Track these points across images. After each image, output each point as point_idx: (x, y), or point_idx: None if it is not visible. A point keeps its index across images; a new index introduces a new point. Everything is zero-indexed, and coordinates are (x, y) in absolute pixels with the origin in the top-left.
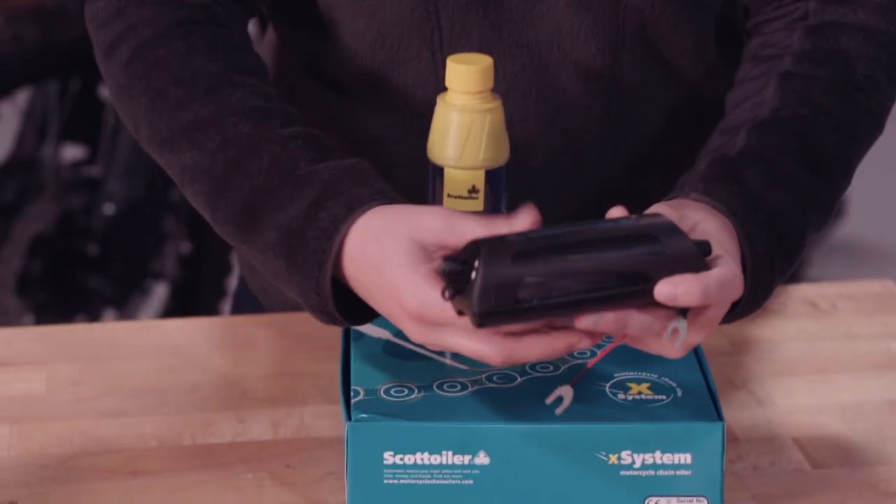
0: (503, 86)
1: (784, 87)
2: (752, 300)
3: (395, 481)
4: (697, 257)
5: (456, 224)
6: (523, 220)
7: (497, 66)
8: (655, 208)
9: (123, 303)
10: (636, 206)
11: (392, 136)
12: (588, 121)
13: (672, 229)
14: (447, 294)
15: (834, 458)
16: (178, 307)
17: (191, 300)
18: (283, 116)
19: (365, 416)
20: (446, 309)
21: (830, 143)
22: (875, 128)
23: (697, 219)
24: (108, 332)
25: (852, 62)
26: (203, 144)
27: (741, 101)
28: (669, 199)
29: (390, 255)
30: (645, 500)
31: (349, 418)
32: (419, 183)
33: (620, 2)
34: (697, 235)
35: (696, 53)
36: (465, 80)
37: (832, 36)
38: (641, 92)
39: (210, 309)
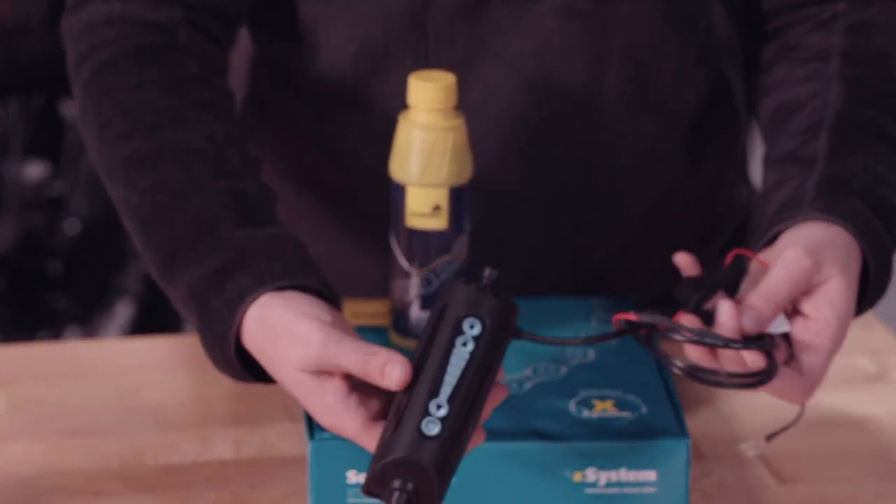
0: (483, 97)
1: (845, 90)
2: (874, 296)
3: (359, 500)
4: None
5: (331, 355)
6: (398, 373)
7: (480, 78)
8: (792, 252)
9: (87, 320)
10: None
11: (369, 148)
12: (568, 140)
13: None
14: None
15: (800, 474)
16: (142, 324)
17: (155, 317)
18: (219, 164)
19: (328, 435)
20: (345, 431)
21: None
22: None
23: (830, 273)
24: (70, 352)
25: (893, 61)
26: (137, 183)
27: (799, 103)
28: (783, 224)
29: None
30: None
31: (312, 437)
32: (387, 195)
33: (609, 15)
34: (827, 290)
35: (682, 76)
36: (428, 97)
37: (869, 36)
38: (624, 112)
39: (174, 326)
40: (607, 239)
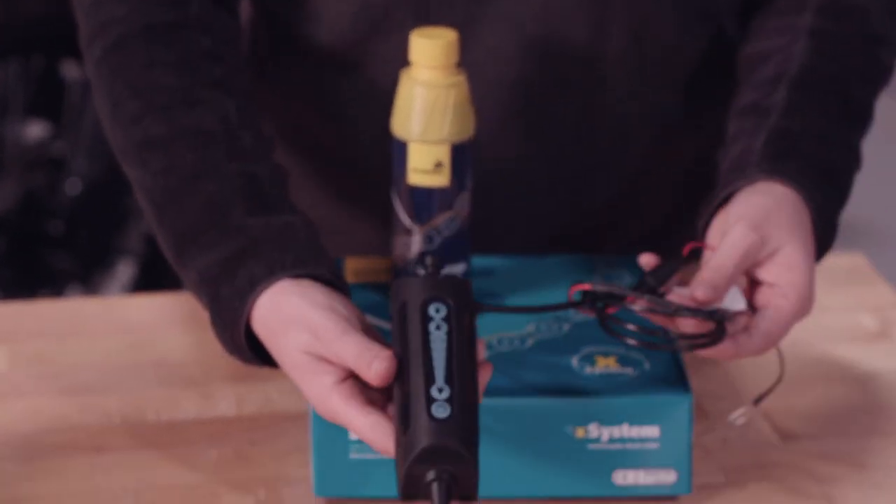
0: (483, 57)
1: (812, 44)
2: (821, 253)
3: (361, 456)
4: None
5: (335, 344)
6: (377, 366)
7: (480, 38)
8: (738, 230)
9: (88, 280)
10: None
11: (369, 109)
12: (568, 99)
13: None
14: None
15: (802, 430)
16: (143, 283)
17: (156, 276)
18: (232, 146)
19: None
20: (339, 414)
21: (859, 96)
22: (889, 78)
23: (780, 242)
24: (71, 309)
25: (869, 16)
26: (149, 165)
27: (766, 54)
28: (732, 186)
29: (286, 357)
30: (612, 474)
31: None
32: (388, 156)
33: None
34: (781, 258)
35: (683, 33)
36: (430, 54)
37: None
38: (625, 70)
39: (175, 285)
40: (607, 197)
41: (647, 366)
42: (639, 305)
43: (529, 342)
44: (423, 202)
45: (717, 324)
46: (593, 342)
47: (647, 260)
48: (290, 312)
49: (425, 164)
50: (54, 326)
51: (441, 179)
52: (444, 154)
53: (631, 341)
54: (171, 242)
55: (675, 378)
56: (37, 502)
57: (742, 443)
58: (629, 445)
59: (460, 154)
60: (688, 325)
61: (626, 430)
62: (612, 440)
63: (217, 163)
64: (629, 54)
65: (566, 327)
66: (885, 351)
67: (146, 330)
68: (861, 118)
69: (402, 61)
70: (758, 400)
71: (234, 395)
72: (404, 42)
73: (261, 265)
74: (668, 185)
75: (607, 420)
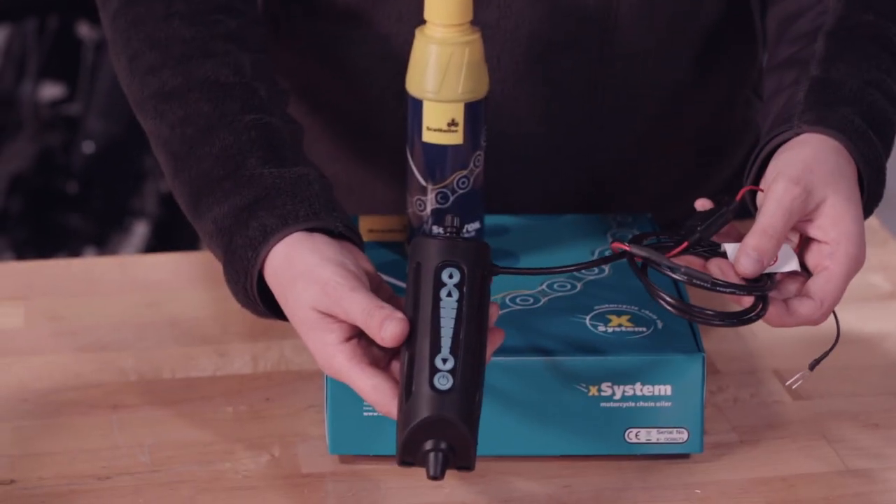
0: (497, 15)
1: None
2: (870, 204)
3: (375, 414)
4: None
5: (343, 300)
6: (392, 328)
7: None
8: (779, 185)
9: (103, 241)
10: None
11: (383, 67)
12: (581, 57)
13: None
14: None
15: (814, 390)
16: (158, 245)
17: (171, 238)
18: (247, 98)
19: None
20: (342, 372)
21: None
22: None
23: (824, 194)
24: (87, 268)
25: None
26: (166, 116)
27: (799, 11)
28: (777, 139)
29: (294, 310)
30: (625, 432)
31: None
32: (402, 114)
33: None
34: (826, 210)
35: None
36: (444, 12)
37: None
38: (637, 28)
39: (190, 247)
40: (619, 157)
41: (660, 325)
42: (678, 276)
43: (542, 301)
44: (437, 161)
45: (758, 299)
46: (606, 301)
47: (702, 204)
48: (300, 267)
49: (439, 123)
50: (70, 285)
51: (455, 138)
52: (458, 112)
53: (670, 309)
54: (186, 193)
55: (687, 337)
56: (53, 459)
57: (754, 402)
58: (642, 404)
59: (474, 112)
60: (730, 299)
61: (638, 389)
62: (624, 398)
63: (232, 114)
64: (641, 14)
65: (579, 286)
66: None
67: (162, 288)
68: None
69: (417, 19)
70: (813, 365)
71: (249, 352)
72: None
73: (274, 216)
74: (680, 147)
75: (620, 379)
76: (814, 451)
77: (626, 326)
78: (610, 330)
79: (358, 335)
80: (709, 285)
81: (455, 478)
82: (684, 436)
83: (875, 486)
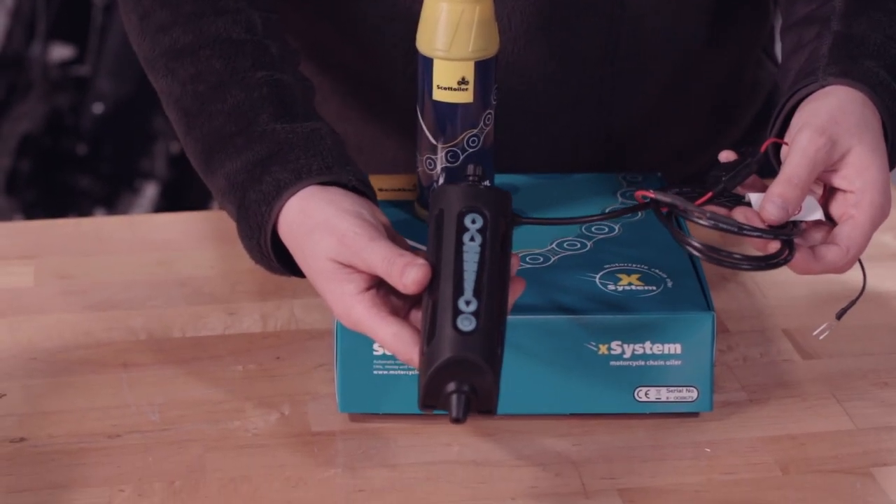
0: None
1: None
2: (894, 159)
3: (385, 372)
4: None
5: (362, 250)
6: (414, 274)
7: None
8: (804, 135)
9: (113, 202)
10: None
11: (394, 26)
12: (590, 16)
13: None
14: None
15: (823, 349)
16: (167, 206)
17: (181, 199)
18: (259, 55)
19: None
20: (361, 322)
21: None
22: None
23: (849, 144)
24: (96, 227)
25: None
26: (177, 73)
27: None
28: (801, 92)
29: (311, 262)
30: (635, 390)
31: None
32: (411, 74)
33: None
34: (851, 160)
35: None
36: None
37: None
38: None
39: (200, 208)
40: (630, 116)
41: (669, 283)
42: (704, 221)
43: (553, 259)
44: (448, 119)
45: (785, 243)
46: (616, 260)
47: (726, 156)
48: (317, 218)
49: (450, 81)
50: (79, 244)
51: (465, 96)
52: (468, 71)
53: (696, 253)
54: (199, 150)
55: (697, 296)
56: (63, 417)
57: (763, 361)
58: (651, 362)
59: (485, 71)
60: (755, 244)
61: (648, 348)
62: (634, 357)
63: (244, 71)
64: None
65: (589, 245)
66: None
67: (171, 247)
68: None
69: None
70: (840, 314)
71: (259, 311)
72: None
73: (287, 170)
74: (691, 107)
75: (630, 337)
76: (823, 410)
77: (637, 285)
78: (620, 289)
79: (376, 285)
80: (735, 229)
81: (465, 435)
82: (694, 394)
83: (884, 444)
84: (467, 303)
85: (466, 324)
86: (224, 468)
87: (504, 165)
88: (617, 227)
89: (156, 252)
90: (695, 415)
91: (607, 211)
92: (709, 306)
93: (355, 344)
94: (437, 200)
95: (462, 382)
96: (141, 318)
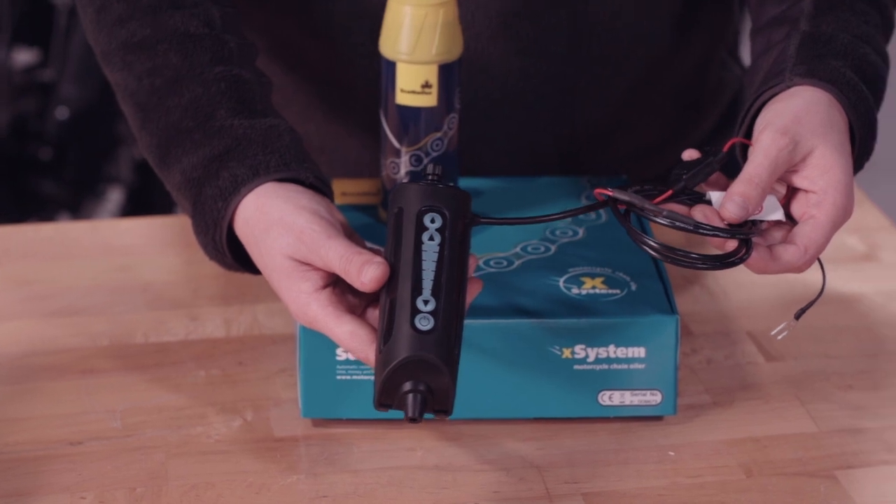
0: None
1: None
2: (862, 157)
3: (348, 377)
4: None
5: (320, 247)
6: (372, 271)
7: None
8: (767, 135)
9: (77, 207)
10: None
11: (358, 27)
12: (554, 16)
13: None
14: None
15: (787, 351)
16: (133, 211)
17: (145, 204)
18: (217, 50)
19: None
20: (317, 320)
21: (884, 1)
22: None
23: (813, 144)
24: (59, 232)
25: None
26: (133, 67)
27: None
28: (768, 92)
29: (267, 259)
30: (598, 394)
31: None
32: (376, 75)
33: None
34: (814, 160)
35: None
36: None
37: None
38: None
39: (165, 212)
40: (594, 117)
41: (633, 287)
42: (661, 219)
43: (517, 263)
44: (411, 123)
45: (742, 242)
46: (580, 263)
47: (689, 154)
48: (274, 216)
49: (413, 85)
50: (42, 249)
51: (429, 100)
52: (432, 74)
53: (652, 252)
54: (154, 144)
55: (661, 299)
56: (25, 424)
57: (728, 363)
58: (615, 366)
59: (448, 74)
60: (712, 242)
61: (612, 351)
62: (598, 361)
63: (202, 65)
64: None
65: (553, 248)
66: (872, 273)
67: (134, 253)
68: (886, 22)
69: None
70: (799, 314)
71: (221, 317)
72: None
73: (244, 166)
74: (657, 106)
75: (594, 341)
76: (787, 413)
77: (600, 288)
78: (584, 292)
79: (333, 283)
80: (692, 228)
81: (428, 440)
82: (658, 398)
83: (848, 447)
84: (425, 302)
85: (424, 323)
86: (186, 475)
87: (467, 163)
88: (581, 231)
89: (118, 257)
90: (659, 418)
91: (573, 209)
92: (672, 309)
93: (318, 349)
94: (396, 199)
95: (418, 382)
96: (103, 324)
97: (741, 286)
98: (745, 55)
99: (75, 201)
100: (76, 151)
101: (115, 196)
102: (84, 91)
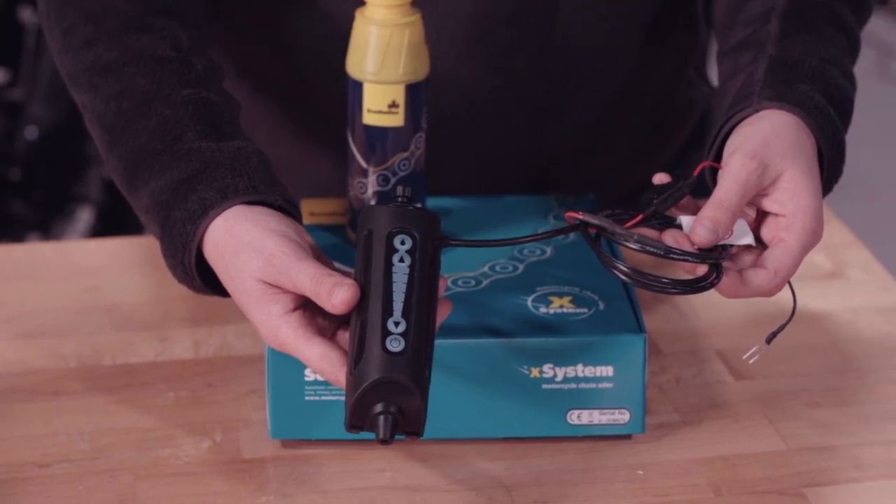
0: None
1: None
2: (831, 180)
3: (317, 398)
4: None
5: (290, 270)
6: (343, 293)
7: None
8: (736, 159)
9: (47, 227)
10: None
11: (325, 48)
12: (522, 37)
13: None
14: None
15: (756, 369)
16: (102, 231)
17: (116, 224)
18: (184, 73)
19: None
20: (287, 343)
21: (848, 22)
22: (870, 9)
23: (781, 168)
24: (27, 254)
25: None
26: (101, 90)
27: None
28: (737, 116)
29: (237, 282)
30: (567, 413)
31: None
32: (344, 94)
33: None
34: (783, 184)
35: None
36: None
37: None
38: (580, 8)
39: (136, 232)
40: (562, 136)
41: (601, 306)
42: (632, 244)
43: (485, 283)
44: (378, 143)
45: (712, 266)
46: (548, 282)
47: (659, 178)
48: (243, 238)
49: (380, 105)
50: (10, 270)
51: (396, 120)
52: (399, 94)
53: (623, 277)
54: (122, 167)
55: (629, 318)
56: None
57: (696, 382)
58: (583, 385)
59: (415, 94)
60: (683, 267)
61: (580, 370)
62: (566, 380)
63: (169, 88)
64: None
65: (521, 267)
66: (839, 290)
67: (102, 274)
68: (852, 44)
69: None
70: (770, 338)
71: (190, 338)
72: None
73: (213, 189)
74: (625, 126)
75: (562, 360)
76: (756, 431)
77: (568, 307)
78: (552, 311)
79: (303, 306)
80: (662, 252)
81: (398, 460)
82: (626, 417)
83: (816, 464)
84: (396, 324)
85: (395, 344)
86: (155, 496)
87: (435, 182)
88: (549, 250)
89: (87, 278)
90: (627, 437)
91: (539, 232)
92: (640, 328)
93: (287, 370)
94: (365, 221)
95: (389, 404)
96: (72, 346)
97: (710, 305)
98: (714, 74)
99: (45, 222)
100: (46, 171)
101: (85, 216)
102: (53, 111)
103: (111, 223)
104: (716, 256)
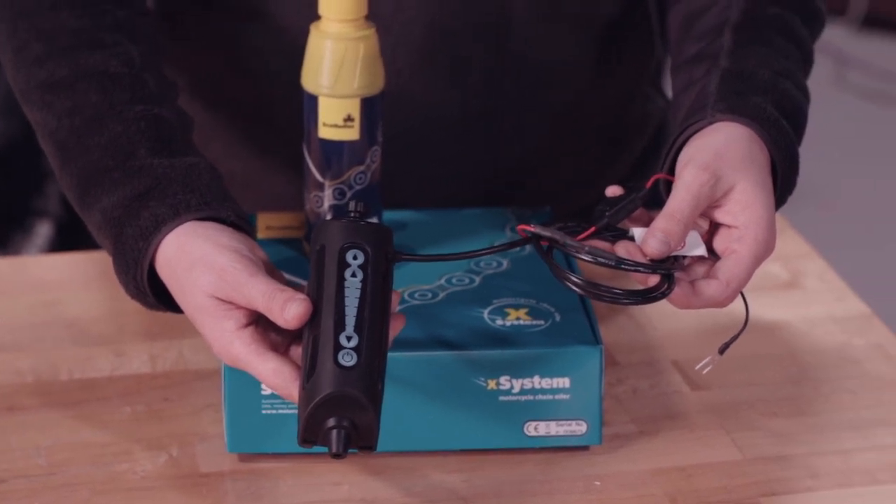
0: (393, 7)
1: None
2: (784, 192)
3: (273, 411)
4: None
5: (242, 286)
6: (295, 308)
7: None
8: (688, 171)
9: (5, 242)
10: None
11: (280, 61)
12: (477, 48)
13: None
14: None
15: (712, 379)
16: (61, 246)
17: (75, 238)
18: (136, 89)
19: None
20: (240, 359)
21: (801, 34)
22: (823, 22)
23: (734, 180)
24: None
25: None
26: (53, 106)
27: (703, 8)
28: (691, 129)
29: (190, 298)
30: (524, 425)
31: None
32: (300, 108)
33: None
34: (736, 195)
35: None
36: (339, 7)
37: None
38: (534, 20)
39: (94, 247)
40: (518, 150)
41: (557, 317)
42: (584, 255)
43: (441, 295)
44: (334, 156)
45: (664, 277)
46: (505, 294)
47: (612, 191)
48: (196, 255)
49: (335, 119)
50: None
51: (351, 133)
52: (354, 108)
53: (575, 289)
54: (75, 184)
55: (585, 330)
56: None
57: (653, 393)
58: (540, 397)
59: (370, 108)
60: (635, 278)
61: (536, 382)
62: (523, 392)
63: (121, 104)
64: (537, 3)
65: (477, 280)
66: (795, 300)
67: (59, 288)
68: (805, 56)
69: (313, 13)
70: (723, 349)
71: (147, 352)
72: None
73: (165, 206)
74: (581, 139)
75: (518, 372)
76: (712, 441)
77: (524, 319)
78: (508, 323)
79: (255, 321)
80: (613, 263)
81: (353, 474)
82: (583, 428)
83: (772, 474)
84: (348, 338)
85: (348, 359)
86: None
87: (392, 195)
88: (506, 262)
89: (43, 293)
90: (584, 448)
91: (493, 245)
92: (597, 340)
93: (243, 384)
94: (318, 236)
95: (342, 418)
96: (28, 360)
97: (666, 316)
98: (669, 87)
99: (3, 236)
100: (3, 186)
101: (44, 230)
102: (10, 125)
103: (70, 238)
104: (667, 267)
